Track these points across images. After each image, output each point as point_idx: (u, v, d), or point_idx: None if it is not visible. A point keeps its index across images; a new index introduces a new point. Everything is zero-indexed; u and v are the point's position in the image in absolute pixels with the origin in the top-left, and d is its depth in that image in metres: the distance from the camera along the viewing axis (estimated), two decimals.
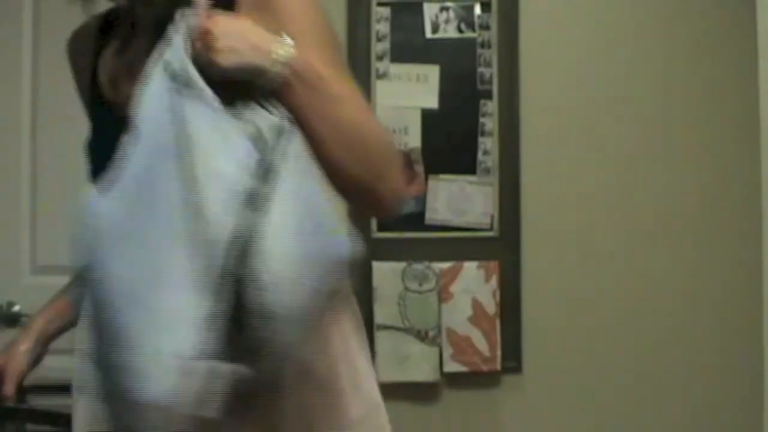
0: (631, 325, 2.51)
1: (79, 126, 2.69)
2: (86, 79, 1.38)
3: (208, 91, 1.07)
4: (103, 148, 1.21)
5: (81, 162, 2.74)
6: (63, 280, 2.55)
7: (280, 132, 1.08)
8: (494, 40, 2.54)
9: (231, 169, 1.03)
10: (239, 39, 1.11)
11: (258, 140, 1.07)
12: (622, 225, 2.54)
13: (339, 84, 1.17)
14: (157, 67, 1.09)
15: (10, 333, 2.49)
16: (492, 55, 2.54)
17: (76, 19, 2.66)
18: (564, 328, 2.52)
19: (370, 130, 1.19)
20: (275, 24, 1.17)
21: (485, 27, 2.54)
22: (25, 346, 1.55)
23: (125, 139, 1.07)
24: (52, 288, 2.51)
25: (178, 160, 1.04)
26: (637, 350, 2.51)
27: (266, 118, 1.09)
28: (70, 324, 1.55)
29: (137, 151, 1.06)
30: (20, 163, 2.51)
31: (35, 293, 2.49)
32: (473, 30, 2.54)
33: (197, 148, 1.04)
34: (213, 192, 1.02)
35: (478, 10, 2.54)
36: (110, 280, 1.01)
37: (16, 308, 2.49)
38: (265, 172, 1.05)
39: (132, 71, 1.21)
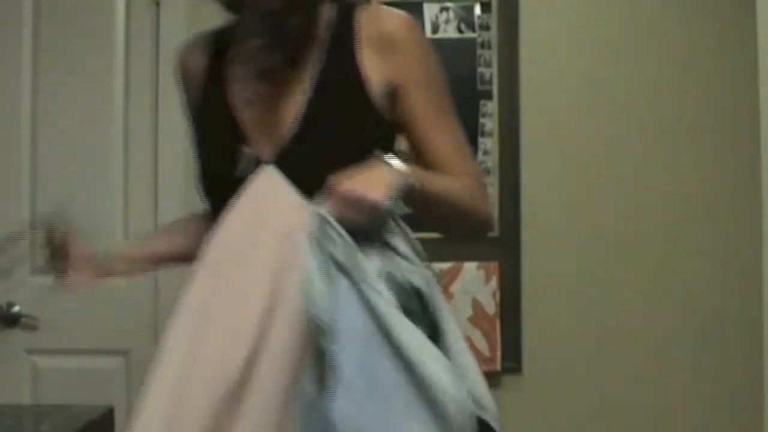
0: (632, 326, 2.51)
1: (79, 126, 2.71)
2: (199, 79, 1.46)
3: (375, 277, 1.18)
4: (215, 147, 1.39)
5: (80, 163, 2.75)
6: None
7: (429, 285, 1.24)
8: (494, 41, 2.54)
9: (428, 344, 1.16)
10: (374, 181, 1.22)
11: (422, 302, 1.22)
12: (622, 225, 2.53)
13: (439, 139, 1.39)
14: (318, 261, 1.18)
15: (10, 333, 2.50)
16: (492, 55, 2.54)
17: (76, 18, 2.67)
18: (564, 328, 2.52)
19: (466, 183, 1.39)
20: (394, 68, 1.35)
21: (485, 27, 2.54)
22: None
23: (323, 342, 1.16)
24: (52, 288, 2.51)
25: (389, 348, 1.14)
26: (637, 350, 2.51)
27: (415, 274, 1.23)
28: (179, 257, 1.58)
29: (345, 349, 1.14)
30: (20, 163, 2.51)
31: (35, 293, 2.50)
32: (473, 30, 2.54)
33: (399, 335, 1.14)
34: (431, 367, 1.13)
35: (478, 10, 2.54)
36: None
37: (16, 309, 2.49)
38: (435, 332, 1.21)
39: (260, 77, 1.34)
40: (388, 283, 1.20)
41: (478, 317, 2.49)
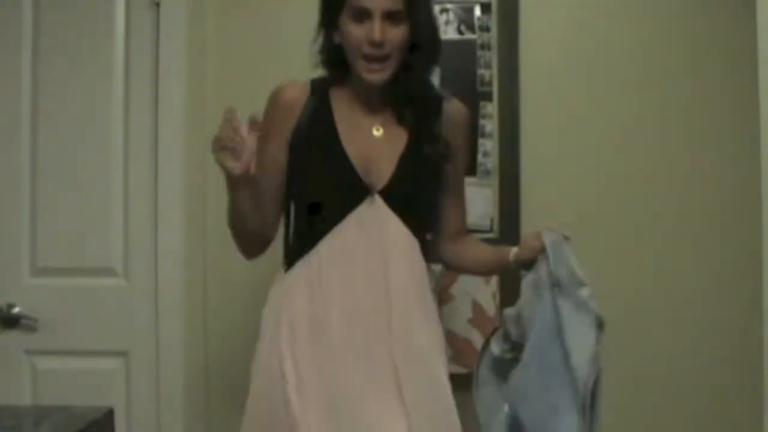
0: (631, 327, 2.51)
1: (79, 126, 2.70)
2: (300, 114, 1.85)
3: (577, 292, 1.82)
4: (333, 175, 1.80)
5: (80, 163, 2.74)
6: (63, 282, 2.56)
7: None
8: (494, 42, 2.54)
9: (587, 342, 1.76)
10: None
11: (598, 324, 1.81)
12: (623, 226, 2.54)
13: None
14: (536, 281, 1.86)
15: (10, 334, 2.49)
16: (492, 56, 2.54)
17: (75, 18, 2.66)
18: None
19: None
20: (453, 139, 1.93)
21: (485, 29, 2.54)
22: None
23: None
24: (51, 289, 2.52)
25: (559, 340, 1.75)
26: (637, 351, 2.51)
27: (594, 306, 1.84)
28: None
29: (534, 334, 1.78)
30: (20, 163, 2.51)
31: (35, 295, 2.50)
32: (473, 32, 2.54)
33: (569, 333, 1.75)
34: (578, 355, 1.74)
35: (478, 11, 2.54)
36: (522, 421, 1.78)
37: (16, 310, 2.49)
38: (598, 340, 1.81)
39: (372, 132, 1.86)
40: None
41: (477, 319, 2.48)
